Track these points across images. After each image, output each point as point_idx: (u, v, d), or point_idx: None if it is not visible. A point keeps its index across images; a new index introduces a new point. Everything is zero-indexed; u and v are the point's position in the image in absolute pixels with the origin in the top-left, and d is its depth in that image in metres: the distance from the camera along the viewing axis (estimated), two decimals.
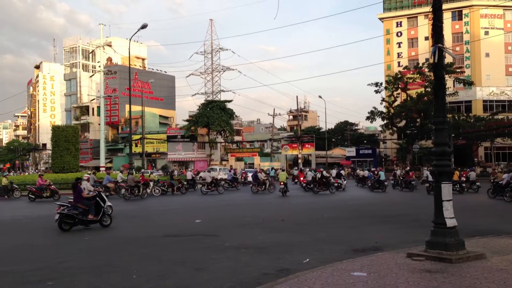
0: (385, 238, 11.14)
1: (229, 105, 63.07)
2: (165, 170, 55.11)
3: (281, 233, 12.17)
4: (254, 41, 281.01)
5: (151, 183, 26.96)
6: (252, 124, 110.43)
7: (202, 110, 60.35)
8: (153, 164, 62.85)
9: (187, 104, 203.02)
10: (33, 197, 23.98)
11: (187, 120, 64.90)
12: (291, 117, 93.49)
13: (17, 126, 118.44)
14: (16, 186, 26.38)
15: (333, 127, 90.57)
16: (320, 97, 59.87)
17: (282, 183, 26.25)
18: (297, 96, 56.45)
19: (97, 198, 13.50)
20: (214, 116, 58.32)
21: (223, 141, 64.54)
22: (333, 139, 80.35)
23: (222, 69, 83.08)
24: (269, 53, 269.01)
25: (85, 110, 75.49)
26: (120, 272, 7.94)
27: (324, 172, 28.95)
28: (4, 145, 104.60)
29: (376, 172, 33.14)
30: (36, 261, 9.11)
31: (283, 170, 36.81)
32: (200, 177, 30.58)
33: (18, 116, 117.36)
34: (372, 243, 10.33)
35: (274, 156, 68.35)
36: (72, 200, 13.36)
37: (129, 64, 34.82)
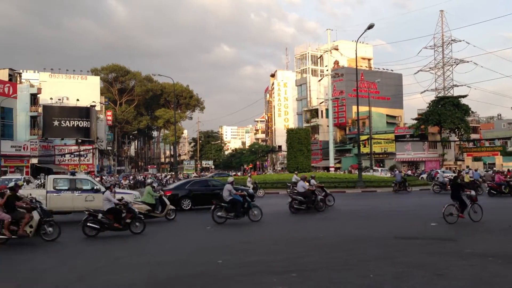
0: None
1: (463, 101, 58.04)
2: (393, 170, 53.91)
3: None
4: (493, 28, 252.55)
5: None
6: (491, 120, 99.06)
7: (433, 108, 56.96)
8: (381, 164, 62.09)
9: (415, 102, 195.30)
10: (494, 192, 25.20)
11: (416, 119, 62.21)
12: None
13: (257, 130, 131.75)
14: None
15: None
16: None
17: None
18: None
19: None
20: (447, 113, 54.37)
21: (457, 139, 59.65)
22: None
23: (454, 62, 77.15)
24: None
25: (314, 113, 79.35)
26: (356, 270, 8.05)
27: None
28: (247, 147, 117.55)
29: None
30: (278, 253, 9.96)
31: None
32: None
33: (257, 121, 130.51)
34: None
35: None
36: None
37: (356, 66, 35.14)
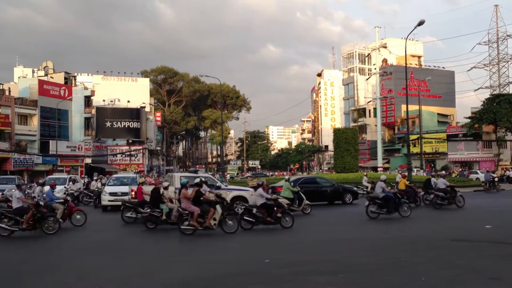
0: None
1: None
2: (446, 170, 52.33)
3: None
4: None
5: None
6: None
7: (487, 106, 54.68)
8: (432, 165, 60.31)
9: (468, 100, 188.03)
10: None
11: (469, 117, 59.95)
12: None
13: (303, 130, 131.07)
14: None
15: None
16: None
17: None
18: None
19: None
20: (502, 111, 52.04)
21: None
22: None
23: (510, 58, 73.79)
24: None
25: (362, 112, 78.10)
26: (408, 272, 7.87)
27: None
28: (293, 147, 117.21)
29: None
30: (330, 253, 9.89)
31: None
32: None
33: (303, 121, 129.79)
34: None
35: None
36: None
37: (405, 64, 34.25)
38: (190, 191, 12.76)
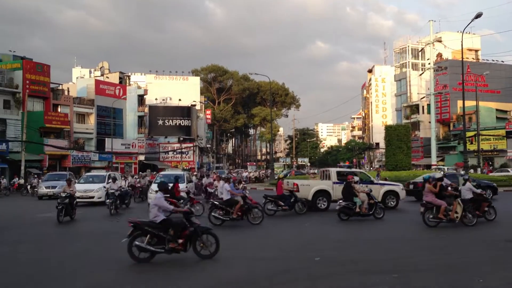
0: None
1: None
2: (505, 168, 49.89)
3: None
4: None
5: None
6: None
7: None
8: (490, 163, 57.75)
9: None
10: None
11: None
12: None
13: (353, 127, 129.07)
14: None
15: None
16: None
17: None
18: None
19: None
20: None
21: None
22: None
23: None
24: None
25: (415, 108, 75.89)
26: (464, 274, 7.62)
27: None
28: (343, 145, 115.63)
29: None
30: (386, 252, 9.70)
31: None
32: None
33: (354, 118, 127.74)
34: None
35: None
36: None
37: (462, 58, 33.03)
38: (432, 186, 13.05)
